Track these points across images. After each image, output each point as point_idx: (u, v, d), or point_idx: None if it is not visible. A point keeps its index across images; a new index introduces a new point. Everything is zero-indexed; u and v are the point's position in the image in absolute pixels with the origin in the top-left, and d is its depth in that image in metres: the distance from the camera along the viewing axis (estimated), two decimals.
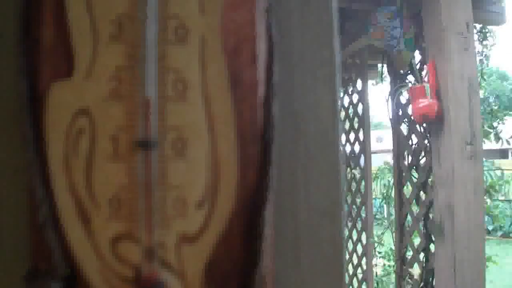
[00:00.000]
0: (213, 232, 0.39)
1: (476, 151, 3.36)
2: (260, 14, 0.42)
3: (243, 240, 0.40)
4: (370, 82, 5.17)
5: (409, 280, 4.10)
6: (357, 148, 4.58)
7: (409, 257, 4.04)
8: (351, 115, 4.63)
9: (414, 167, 4.00)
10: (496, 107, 4.04)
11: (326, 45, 0.47)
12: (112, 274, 0.38)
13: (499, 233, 15.49)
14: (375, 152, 5.42)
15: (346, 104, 4.69)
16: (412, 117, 3.62)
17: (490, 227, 15.29)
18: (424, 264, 3.93)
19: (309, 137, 0.45)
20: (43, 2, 0.40)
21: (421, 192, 3.98)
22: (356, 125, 4.53)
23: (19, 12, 0.41)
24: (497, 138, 4.08)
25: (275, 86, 0.41)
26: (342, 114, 4.75)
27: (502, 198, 15.80)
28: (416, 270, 4.05)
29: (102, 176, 0.38)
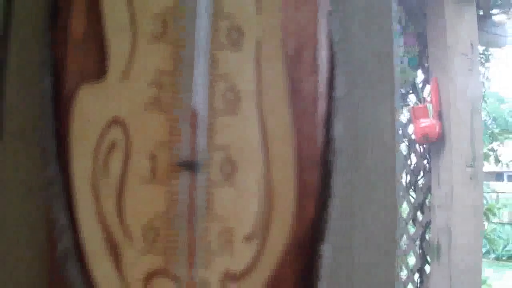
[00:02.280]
0: (263, 272, 0.33)
1: (476, 173, 3.34)
2: (322, 16, 0.36)
3: (296, 282, 0.33)
4: None
5: None
6: None
7: (404, 278, 3.99)
8: None
9: (412, 187, 3.96)
10: (497, 130, 4.03)
11: (387, 56, 0.41)
12: None
13: (492, 256, 15.55)
14: None
15: None
16: (412, 137, 3.60)
17: (484, 250, 15.37)
18: (418, 285, 3.89)
19: (370, 163, 0.39)
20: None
21: (418, 213, 3.94)
22: None
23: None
24: (497, 160, 4.06)
25: (339, 101, 0.35)
26: None
27: (496, 220, 15.91)
28: None
29: (137, 201, 0.31)
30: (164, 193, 0.32)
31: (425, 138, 3.41)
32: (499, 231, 14.95)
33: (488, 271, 12.76)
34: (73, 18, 0.33)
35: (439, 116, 3.38)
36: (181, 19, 0.32)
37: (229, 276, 0.32)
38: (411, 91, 3.93)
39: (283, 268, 0.33)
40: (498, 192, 14.74)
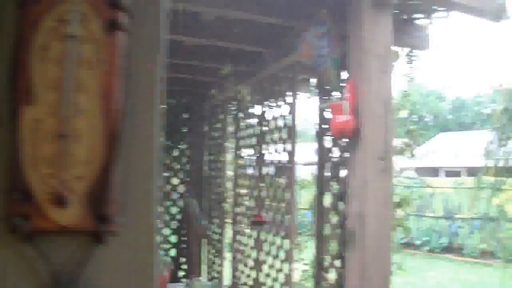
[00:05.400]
0: (91, 176, 1.01)
1: (387, 166, 3.86)
2: (118, 77, 1.04)
3: (104, 182, 1.02)
4: (305, 95, 5.81)
5: (326, 284, 4.64)
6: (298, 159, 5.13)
7: (327, 264, 4.57)
8: (282, 126, 5.24)
9: (335, 178, 4.53)
10: (413, 127, 4.65)
11: (152, 105, 1.09)
12: (45, 189, 1.00)
13: (426, 248, 17.04)
14: (311, 164, 6.01)
15: (276, 116, 5.32)
16: None
17: (418, 242, 16.80)
18: (340, 270, 4.41)
19: (144, 143, 1.08)
20: (21, 70, 1.01)
21: (340, 202, 4.45)
22: (285, 136, 5.16)
23: (7, 73, 1.02)
24: (412, 155, 4.67)
25: (123, 111, 1.03)
26: (272, 124, 5.39)
27: (431, 214, 17.30)
28: (332, 275, 4.55)
29: (44, 148, 0.99)
30: (55, 147, 1.00)
31: (341, 133, 3.98)
32: (433, 224, 16.13)
33: (422, 262, 13.72)
34: (21, 82, 1.01)
35: (355, 113, 3.88)
36: (60, 83, 1.00)
37: (78, 177, 1.01)
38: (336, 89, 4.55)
39: (99, 176, 1.02)
40: (433, 187, 15.81)
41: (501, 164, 6.10)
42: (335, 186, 4.57)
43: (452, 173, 27.73)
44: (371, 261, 3.82)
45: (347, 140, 4.23)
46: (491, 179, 6.63)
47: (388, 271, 3.90)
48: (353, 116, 3.89)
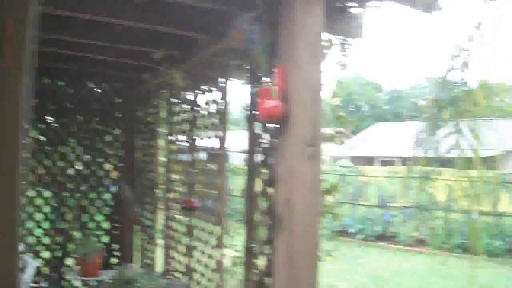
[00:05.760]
0: None
1: (316, 153, 3.86)
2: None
3: None
4: (239, 81, 5.78)
5: (255, 271, 4.64)
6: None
7: (256, 250, 4.56)
8: (214, 112, 5.20)
9: (265, 164, 4.52)
10: (343, 114, 4.69)
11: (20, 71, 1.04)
12: None
13: (360, 236, 17.61)
14: (244, 151, 5.99)
15: (209, 101, 5.28)
16: None
17: (353, 230, 17.29)
18: (269, 256, 4.40)
19: (8, 106, 1.01)
20: None
21: (270, 188, 4.45)
22: (217, 122, 5.12)
23: None
24: (341, 142, 4.71)
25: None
26: (205, 110, 5.34)
27: (366, 203, 17.85)
28: (262, 261, 4.54)
29: None
30: None
31: (269, 118, 3.96)
32: (369, 213, 16.67)
33: (357, 250, 14.04)
34: None
35: (284, 98, 3.86)
36: None
37: None
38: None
39: None
40: (366, 176, 16.27)
41: (430, 153, 6.22)
42: (264, 172, 4.56)
43: (387, 162, 28.95)
44: (298, 247, 3.81)
45: (276, 125, 4.21)
46: (422, 168, 6.77)
47: (316, 257, 3.90)
48: (281, 101, 3.87)
